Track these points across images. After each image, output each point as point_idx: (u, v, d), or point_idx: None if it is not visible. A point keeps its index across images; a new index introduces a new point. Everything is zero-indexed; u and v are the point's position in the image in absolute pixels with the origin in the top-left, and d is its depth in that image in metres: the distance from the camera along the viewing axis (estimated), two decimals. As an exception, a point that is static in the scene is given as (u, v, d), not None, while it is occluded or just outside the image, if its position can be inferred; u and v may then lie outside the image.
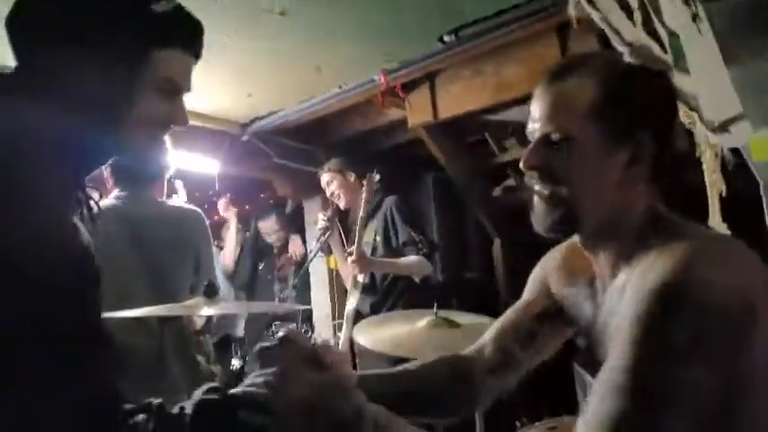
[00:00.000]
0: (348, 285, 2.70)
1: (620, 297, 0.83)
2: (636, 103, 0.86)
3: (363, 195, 2.60)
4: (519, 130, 3.16)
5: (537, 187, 0.91)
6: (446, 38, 2.26)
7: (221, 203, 3.61)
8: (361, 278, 2.67)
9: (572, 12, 0.89)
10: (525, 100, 2.87)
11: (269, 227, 3.71)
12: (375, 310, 2.69)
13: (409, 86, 2.79)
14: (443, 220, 3.48)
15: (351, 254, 2.54)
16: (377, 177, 2.62)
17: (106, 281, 1.78)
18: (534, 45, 2.47)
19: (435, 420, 1.09)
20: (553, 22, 2.32)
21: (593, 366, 0.90)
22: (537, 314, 1.07)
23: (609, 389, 0.72)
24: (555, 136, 0.87)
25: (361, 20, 2.01)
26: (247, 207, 4.29)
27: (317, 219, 3.56)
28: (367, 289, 2.72)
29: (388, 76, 2.52)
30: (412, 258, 2.62)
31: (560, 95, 0.88)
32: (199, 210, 2.03)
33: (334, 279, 3.45)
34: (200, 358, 1.79)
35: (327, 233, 3.00)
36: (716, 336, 0.70)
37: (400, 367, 1.13)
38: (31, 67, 0.83)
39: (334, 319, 3.42)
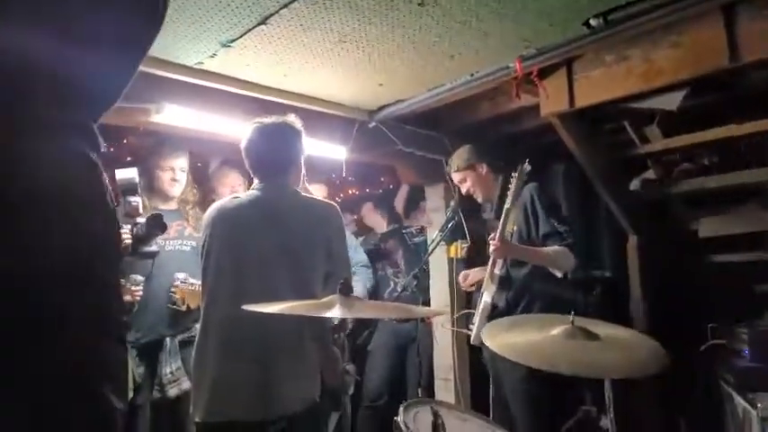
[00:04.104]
0: (485, 278, 2.63)
1: None
2: None
3: (513, 184, 2.53)
4: (664, 118, 2.88)
5: None
6: (592, 21, 2.08)
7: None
8: (498, 270, 2.61)
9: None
10: (676, 87, 2.61)
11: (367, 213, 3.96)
12: (511, 305, 2.59)
13: (545, 72, 2.62)
14: (573, 214, 3.28)
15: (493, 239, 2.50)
16: (528, 168, 2.53)
17: (249, 263, 1.88)
18: (693, 27, 2.22)
19: None
20: (719, 1, 2.06)
21: None
22: None
23: None
24: None
25: (500, 7, 1.90)
26: (368, 190, 4.36)
27: (438, 205, 3.56)
28: (503, 283, 2.63)
29: (523, 63, 2.38)
30: (556, 248, 2.49)
31: None
32: (333, 204, 2.06)
33: (454, 268, 3.40)
34: (336, 350, 1.83)
35: (451, 223, 2.96)
36: None
37: None
38: None
39: (452, 307, 3.39)
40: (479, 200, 2.85)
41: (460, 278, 2.88)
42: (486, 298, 2.59)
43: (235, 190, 2.96)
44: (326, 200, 2.15)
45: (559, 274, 2.52)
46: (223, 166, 3.13)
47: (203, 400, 1.83)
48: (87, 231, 0.78)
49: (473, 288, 2.84)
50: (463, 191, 2.84)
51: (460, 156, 2.83)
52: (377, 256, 3.85)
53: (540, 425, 2.47)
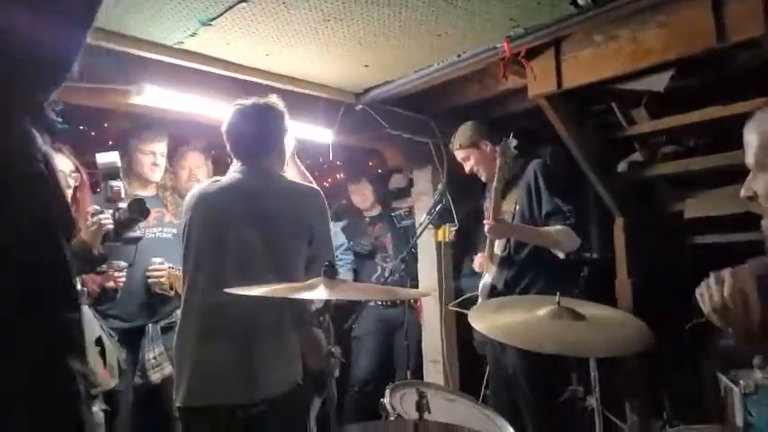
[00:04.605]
0: (485, 258, 2.58)
1: None
2: None
3: (497, 162, 2.46)
4: (651, 100, 2.87)
5: None
6: (580, 1, 2.06)
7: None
8: (499, 251, 2.56)
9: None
10: (664, 67, 2.60)
11: (359, 191, 3.85)
12: (510, 286, 2.52)
13: (533, 53, 2.59)
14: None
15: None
16: (513, 143, 2.47)
17: (229, 247, 1.85)
18: (682, 6, 2.20)
19: None
20: (707, -21, 2.05)
21: None
22: None
23: None
24: None
25: (487, -16, 1.87)
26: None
27: (426, 189, 3.54)
28: (503, 263, 2.56)
29: (511, 43, 2.35)
30: (558, 228, 2.43)
31: None
32: (316, 188, 2.02)
33: (442, 252, 3.39)
34: (319, 333, 1.82)
35: (439, 206, 2.94)
36: None
37: None
38: None
39: (440, 291, 3.39)
40: (483, 179, 2.76)
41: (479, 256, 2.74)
42: (486, 279, 2.55)
43: (193, 172, 2.91)
44: (310, 184, 2.12)
45: (562, 255, 2.46)
46: (180, 147, 3.04)
47: (184, 384, 1.81)
48: (50, 212, 0.79)
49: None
50: (466, 169, 2.77)
51: (463, 133, 2.73)
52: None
53: (539, 400, 2.46)
